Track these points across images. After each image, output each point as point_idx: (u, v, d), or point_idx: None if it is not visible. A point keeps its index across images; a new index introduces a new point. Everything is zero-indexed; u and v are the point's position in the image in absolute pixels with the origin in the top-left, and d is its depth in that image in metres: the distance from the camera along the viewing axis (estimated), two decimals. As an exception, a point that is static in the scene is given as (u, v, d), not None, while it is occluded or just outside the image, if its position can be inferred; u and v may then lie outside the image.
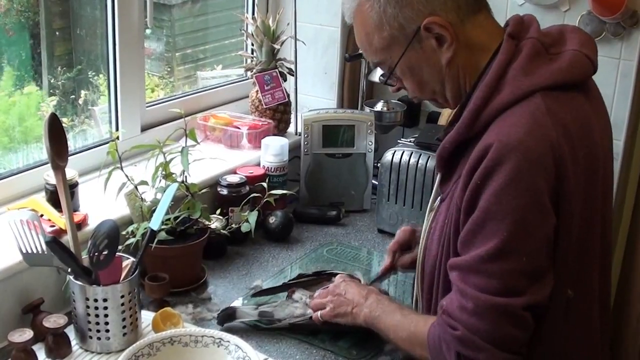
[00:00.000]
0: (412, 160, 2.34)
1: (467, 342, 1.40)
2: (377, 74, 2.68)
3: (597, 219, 1.50)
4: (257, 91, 2.70)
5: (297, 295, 1.92)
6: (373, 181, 2.59)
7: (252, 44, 2.77)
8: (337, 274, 1.99)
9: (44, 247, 1.67)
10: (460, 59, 1.51)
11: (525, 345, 1.43)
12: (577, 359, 1.54)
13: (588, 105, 1.51)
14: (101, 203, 2.04)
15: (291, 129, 2.82)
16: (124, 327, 1.72)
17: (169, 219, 2.00)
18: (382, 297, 1.74)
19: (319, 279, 2.01)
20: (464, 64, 1.52)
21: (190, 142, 2.04)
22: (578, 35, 1.54)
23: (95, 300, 1.67)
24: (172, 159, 2.02)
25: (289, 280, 2.02)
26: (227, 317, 1.85)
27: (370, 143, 2.57)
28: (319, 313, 1.81)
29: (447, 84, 1.55)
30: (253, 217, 2.12)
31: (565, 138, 1.39)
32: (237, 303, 1.97)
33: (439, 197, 1.63)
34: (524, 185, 1.35)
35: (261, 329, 1.86)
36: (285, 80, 2.74)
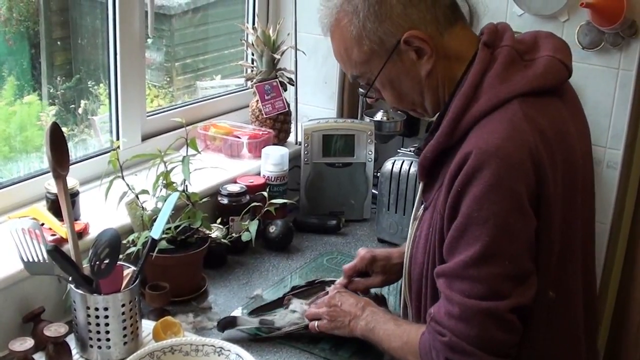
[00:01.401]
0: (412, 169, 2.35)
1: (455, 348, 1.42)
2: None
3: (577, 222, 1.52)
4: (257, 101, 2.71)
5: (294, 304, 1.92)
6: (373, 190, 2.60)
7: (253, 54, 2.78)
8: (329, 281, 1.99)
9: (45, 255, 1.67)
10: (439, 70, 1.54)
11: (514, 348, 1.44)
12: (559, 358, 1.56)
13: (564, 110, 1.53)
14: (102, 212, 2.04)
15: (291, 138, 2.82)
16: (125, 336, 1.72)
17: (169, 228, 2.00)
18: (377, 309, 1.76)
19: (313, 288, 2.01)
20: (442, 75, 1.55)
21: (191, 151, 2.04)
22: (552, 41, 1.57)
23: (96, 309, 1.67)
24: (172, 168, 2.03)
25: (284, 294, 2.02)
26: (227, 324, 1.86)
27: (370, 152, 2.57)
28: (315, 323, 1.82)
29: (426, 94, 1.58)
30: (253, 226, 2.13)
31: (543, 143, 1.41)
32: (237, 313, 1.97)
33: (422, 206, 1.65)
34: (504, 190, 1.37)
35: (261, 337, 1.86)
36: (285, 89, 2.75)
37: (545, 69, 1.49)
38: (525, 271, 1.42)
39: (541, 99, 1.47)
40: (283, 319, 1.87)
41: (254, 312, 1.95)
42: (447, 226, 1.46)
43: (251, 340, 1.85)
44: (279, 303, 1.97)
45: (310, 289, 2.01)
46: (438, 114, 1.60)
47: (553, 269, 1.47)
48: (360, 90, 1.68)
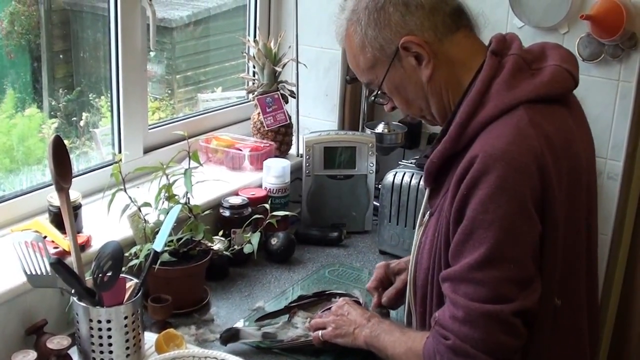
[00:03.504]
0: (413, 181, 2.35)
1: (459, 351, 1.42)
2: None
3: (581, 230, 1.53)
4: (258, 113, 2.71)
5: (298, 317, 1.92)
6: (374, 202, 2.60)
7: (254, 67, 2.78)
8: (337, 294, 1.99)
9: (48, 268, 1.67)
10: (441, 75, 1.57)
11: (517, 352, 1.44)
12: None
13: (570, 119, 1.55)
14: (104, 225, 2.04)
15: (293, 150, 2.83)
16: (127, 348, 1.72)
17: (172, 241, 2.00)
18: (384, 320, 1.76)
19: (320, 300, 2.01)
20: (445, 81, 1.57)
21: (193, 164, 2.05)
22: (559, 52, 1.59)
23: (99, 322, 1.68)
24: (175, 181, 2.03)
25: (290, 302, 2.02)
26: (230, 337, 1.86)
27: (371, 164, 2.58)
28: (319, 333, 1.82)
29: (430, 100, 1.60)
30: (255, 238, 2.13)
31: (548, 149, 1.43)
32: (240, 325, 1.97)
33: (428, 212, 1.66)
34: (509, 193, 1.39)
35: (264, 350, 1.85)
36: (286, 102, 2.76)
37: (551, 77, 1.51)
38: (530, 275, 1.42)
39: (547, 106, 1.49)
40: (286, 332, 1.87)
41: (258, 320, 1.95)
42: (453, 230, 1.47)
43: (253, 353, 1.85)
44: (284, 312, 1.97)
45: (317, 301, 2.01)
46: (446, 122, 1.61)
47: (558, 275, 1.47)
48: (371, 97, 1.72)
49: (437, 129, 2.12)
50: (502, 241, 1.39)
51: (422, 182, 2.31)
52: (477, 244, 1.41)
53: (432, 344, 1.49)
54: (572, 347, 1.56)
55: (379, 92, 1.65)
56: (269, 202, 2.38)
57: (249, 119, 2.81)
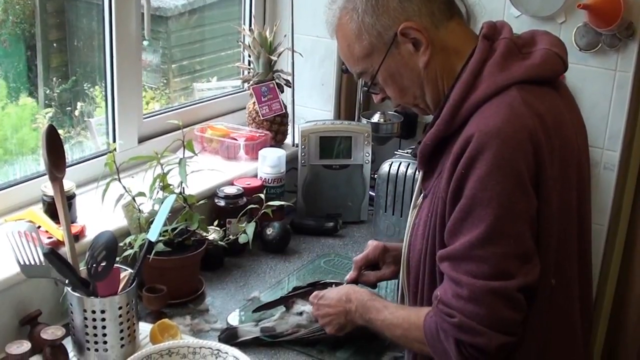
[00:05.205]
0: (409, 171, 2.34)
1: (465, 328, 1.43)
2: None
3: (573, 211, 1.54)
4: (254, 103, 2.70)
5: (298, 306, 1.91)
6: (370, 192, 2.59)
7: (249, 56, 2.77)
8: (331, 283, 1.98)
9: (42, 258, 1.66)
10: (436, 62, 1.57)
11: (521, 326, 1.45)
12: (558, 347, 1.56)
13: (560, 102, 1.57)
14: (99, 214, 2.03)
15: (288, 140, 2.82)
16: (122, 338, 1.71)
17: (166, 231, 2.00)
18: (361, 296, 1.75)
19: (315, 289, 2.00)
20: (441, 67, 1.58)
21: (187, 153, 2.04)
22: (548, 37, 1.61)
23: (93, 312, 1.67)
24: (169, 171, 2.02)
25: (287, 293, 2.01)
26: (229, 338, 1.84)
27: (367, 154, 2.57)
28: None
29: (426, 87, 1.60)
30: (250, 228, 2.12)
31: (541, 127, 1.44)
32: (235, 315, 1.97)
33: (422, 195, 1.66)
34: (506, 169, 1.40)
35: (261, 342, 1.85)
36: (282, 91, 2.74)
37: (542, 60, 1.52)
38: (529, 250, 1.43)
39: (538, 87, 1.51)
40: (286, 322, 1.87)
41: (256, 311, 1.94)
42: (450, 210, 1.47)
43: (249, 343, 1.84)
44: (280, 302, 1.96)
45: (311, 290, 2.00)
46: (439, 108, 1.61)
47: (552, 253, 1.48)
48: (364, 87, 1.72)
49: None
50: (501, 217, 1.40)
51: (418, 172, 2.30)
52: (476, 221, 1.41)
53: (435, 322, 1.49)
54: (565, 327, 1.56)
55: (371, 82, 1.65)
56: (265, 191, 2.36)
57: (244, 108, 2.80)
